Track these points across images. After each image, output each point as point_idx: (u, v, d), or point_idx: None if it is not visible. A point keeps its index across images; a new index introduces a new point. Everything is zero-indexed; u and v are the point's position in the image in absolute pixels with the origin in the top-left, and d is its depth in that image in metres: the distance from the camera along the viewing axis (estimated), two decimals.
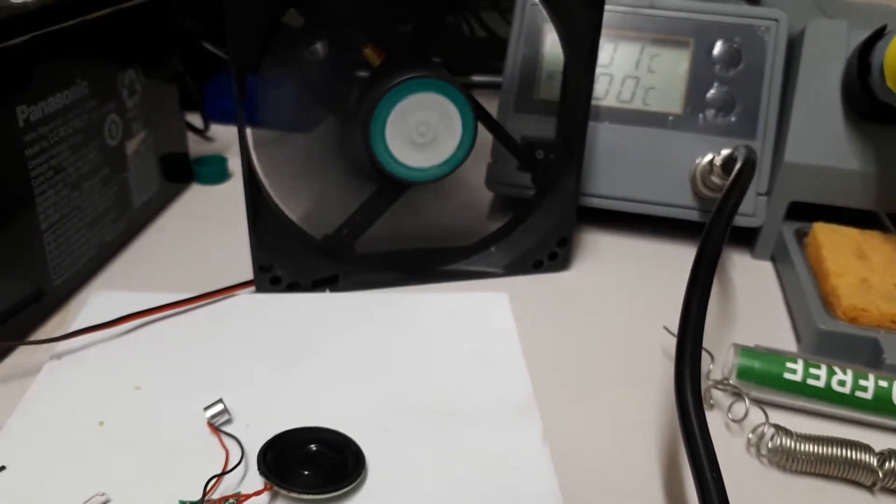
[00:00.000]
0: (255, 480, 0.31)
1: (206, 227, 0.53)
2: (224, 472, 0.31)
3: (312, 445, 0.32)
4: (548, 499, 0.31)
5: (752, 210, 0.49)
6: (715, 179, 0.48)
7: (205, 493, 0.29)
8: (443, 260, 0.47)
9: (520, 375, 0.38)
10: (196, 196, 0.58)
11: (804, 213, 0.49)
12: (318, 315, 0.42)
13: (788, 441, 0.33)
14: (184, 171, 0.59)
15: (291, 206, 0.45)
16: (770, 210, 0.50)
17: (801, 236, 0.49)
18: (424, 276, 0.47)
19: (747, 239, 0.52)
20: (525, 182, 0.51)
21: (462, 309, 0.43)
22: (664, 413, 0.37)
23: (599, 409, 0.37)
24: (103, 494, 0.30)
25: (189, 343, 0.40)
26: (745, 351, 0.37)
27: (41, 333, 0.41)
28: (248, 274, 0.44)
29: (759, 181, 0.49)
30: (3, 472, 0.31)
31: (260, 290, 0.44)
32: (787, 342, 0.42)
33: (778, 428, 0.34)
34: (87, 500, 0.30)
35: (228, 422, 0.34)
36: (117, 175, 0.48)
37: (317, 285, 0.45)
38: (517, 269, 0.48)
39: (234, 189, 0.59)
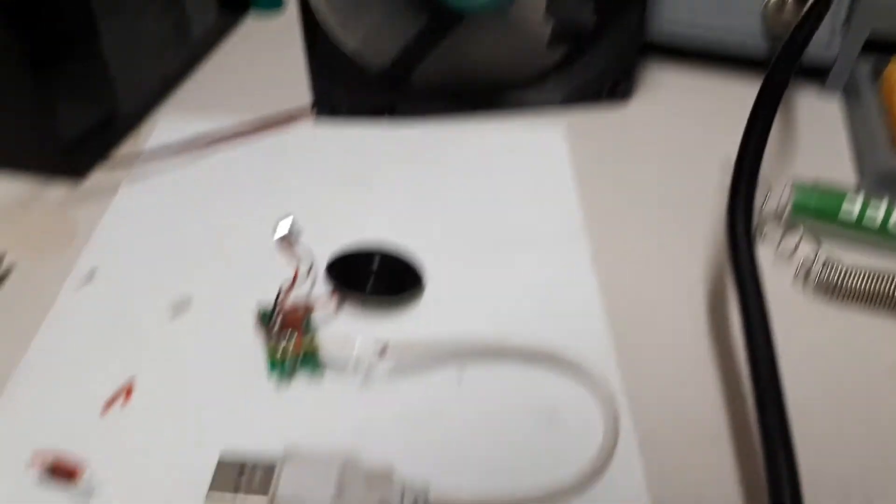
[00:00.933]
0: (323, 289, 0.33)
1: (265, 58, 0.53)
2: (295, 281, 0.33)
3: (375, 261, 0.34)
4: (592, 318, 0.32)
5: (826, 41, 0.47)
6: (788, 12, 0.46)
7: (277, 300, 0.32)
8: (499, 91, 0.47)
9: (572, 206, 0.39)
10: (253, 27, 0.58)
11: (882, 49, 0.47)
12: (377, 145, 0.43)
13: (837, 274, 0.34)
14: (239, 0, 0.58)
15: (347, 36, 0.44)
16: (846, 42, 0.47)
17: (876, 73, 0.47)
18: (480, 107, 0.47)
19: (818, 74, 0.50)
20: (587, 12, 0.49)
21: (517, 141, 0.44)
22: (715, 247, 0.37)
23: (649, 240, 0.38)
24: (185, 299, 0.33)
25: (255, 167, 0.41)
26: (802, 185, 0.37)
27: (114, 158, 0.43)
28: (308, 102, 0.45)
29: (838, 10, 0.46)
30: (93, 278, 0.34)
31: (320, 115, 0.45)
32: (848, 180, 0.42)
33: (827, 261, 0.34)
34: (171, 304, 0.32)
35: (297, 237, 0.36)
36: (175, 4, 0.48)
37: (374, 114, 0.46)
38: (575, 102, 0.47)
39: (290, 20, 0.58)
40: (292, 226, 0.36)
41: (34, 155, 0.40)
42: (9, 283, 0.35)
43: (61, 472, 0.25)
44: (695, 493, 0.26)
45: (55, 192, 0.40)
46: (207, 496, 0.24)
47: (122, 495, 0.25)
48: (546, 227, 0.37)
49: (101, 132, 0.43)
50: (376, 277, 0.33)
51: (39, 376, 0.29)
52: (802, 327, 0.33)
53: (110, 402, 0.28)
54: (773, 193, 0.38)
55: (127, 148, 0.44)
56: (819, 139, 0.46)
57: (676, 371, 0.31)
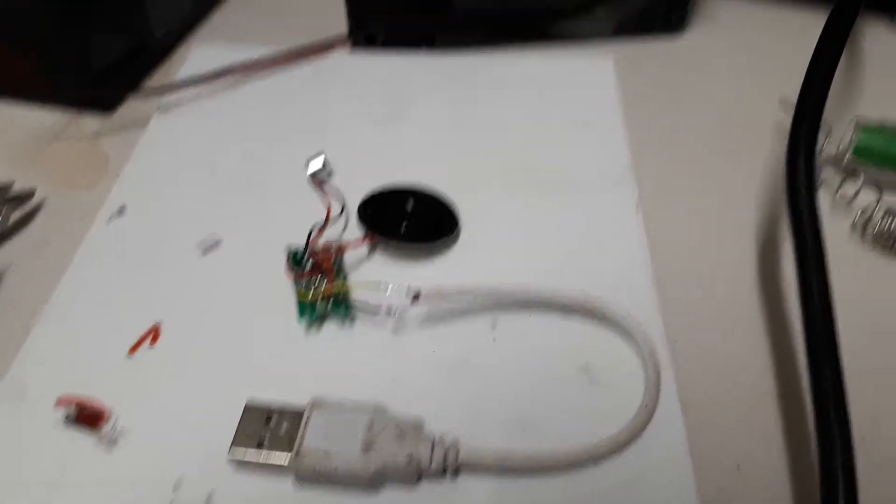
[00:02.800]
0: (355, 231, 0.32)
1: None
2: (326, 223, 0.32)
3: (409, 202, 0.33)
4: (638, 263, 0.31)
5: None
6: None
7: (308, 241, 0.31)
8: (545, 20, 0.44)
9: (619, 145, 0.37)
10: None
11: None
12: (415, 75, 0.41)
13: None
14: None
15: None
16: None
17: None
18: (525, 37, 0.44)
19: (887, 6, 0.46)
20: None
21: (563, 73, 0.41)
22: (768, 189, 0.35)
23: (699, 181, 0.36)
24: (215, 237, 0.32)
25: (289, 98, 0.40)
26: (867, 126, 0.35)
27: (147, 86, 0.42)
28: (344, 31, 0.43)
29: None
30: (124, 213, 0.33)
31: (356, 45, 0.43)
32: None
33: (889, 210, 0.32)
34: (201, 241, 0.32)
35: (329, 176, 0.35)
36: None
37: (413, 44, 0.43)
38: (626, 32, 0.44)
39: None
40: (325, 163, 0.34)
41: (65, 86, 0.39)
42: (38, 218, 0.34)
43: (86, 416, 0.25)
44: (739, 457, 0.25)
45: (86, 125, 0.39)
46: (231, 450, 0.24)
47: (148, 441, 0.25)
48: (591, 167, 0.35)
49: (133, 62, 0.42)
50: (410, 220, 0.32)
51: (68, 316, 0.29)
52: (859, 281, 0.31)
53: (137, 345, 0.28)
54: (832, 136, 0.36)
55: (159, 78, 0.43)
56: (887, 75, 0.42)
57: (724, 325, 0.29)
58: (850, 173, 0.35)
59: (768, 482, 0.24)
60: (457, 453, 0.24)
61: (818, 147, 0.32)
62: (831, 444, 0.22)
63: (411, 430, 0.24)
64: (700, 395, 0.27)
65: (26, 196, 0.34)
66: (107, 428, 0.25)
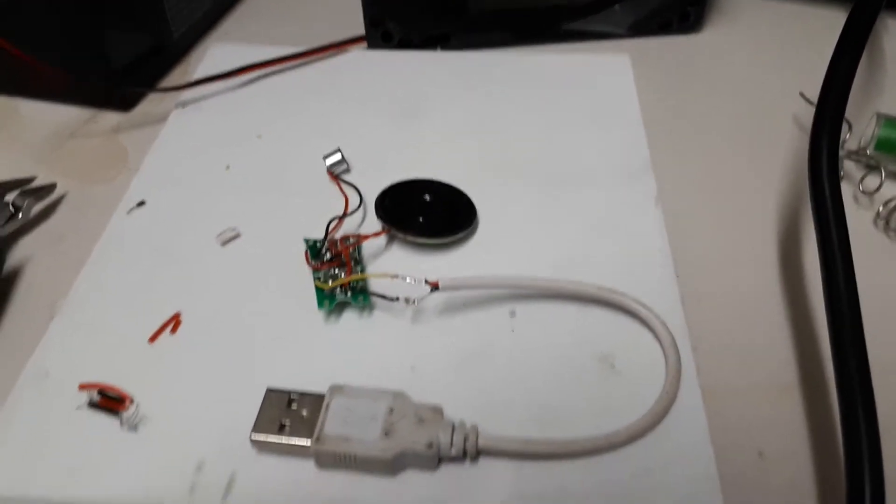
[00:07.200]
0: (373, 224, 0.32)
1: None
2: (345, 215, 0.32)
3: (427, 196, 0.33)
4: (658, 255, 0.31)
5: None
6: None
7: (327, 233, 0.31)
8: (562, 18, 0.44)
9: (637, 141, 0.37)
10: None
11: None
12: (431, 73, 0.42)
13: None
14: None
15: None
16: None
17: None
18: (541, 35, 0.44)
19: None
20: None
21: (580, 71, 0.41)
22: (789, 182, 0.35)
23: (719, 177, 0.35)
24: (234, 229, 0.32)
25: (305, 96, 0.40)
26: (888, 121, 0.34)
27: (165, 83, 0.42)
28: (360, 30, 0.43)
29: None
30: (144, 206, 0.34)
31: (371, 45, 0.43)
32: None
33: None
34: (220, 234, 0.32)
35: (346, 171, 0.35)
36: None
37: (428, 43, 0.44)
38: (643, 30, 0.44)
39: None
40: (342, 157, 0.35)
41: (85, 83, 0.39)
42: (59, 211, 0.34)
43: (108, 401, 0.25)
44: (762, 444, 0.25)
45: (106, 121, 0.40)
46: (253, 434, 0.24)
47: (169, 425, 0.25)
48: (609, 162, 0.35)
49: (152, 60, 0.42)
50: (427, 213, 0.32)
51: (89, 305, 0.29)
52: (882, 272, 0.31)
53: (157, 333, 0.28)
54: (853, 131, 0.35)
55: (177, 76, 0.43)
56: None
57: (745, 315, 0.29)
58: (871, 167, 0.35)
59: (792, 470, 0.24)
60: (476, 438, 0.23)
61: (840, 142, 0.32)
62: (857, 435, 0.22)
63: (431, 415, 0.24)
64: (722, 383, 0.27)
65: (47, 189, 0.34)
66: (128, 413, 0.25)
